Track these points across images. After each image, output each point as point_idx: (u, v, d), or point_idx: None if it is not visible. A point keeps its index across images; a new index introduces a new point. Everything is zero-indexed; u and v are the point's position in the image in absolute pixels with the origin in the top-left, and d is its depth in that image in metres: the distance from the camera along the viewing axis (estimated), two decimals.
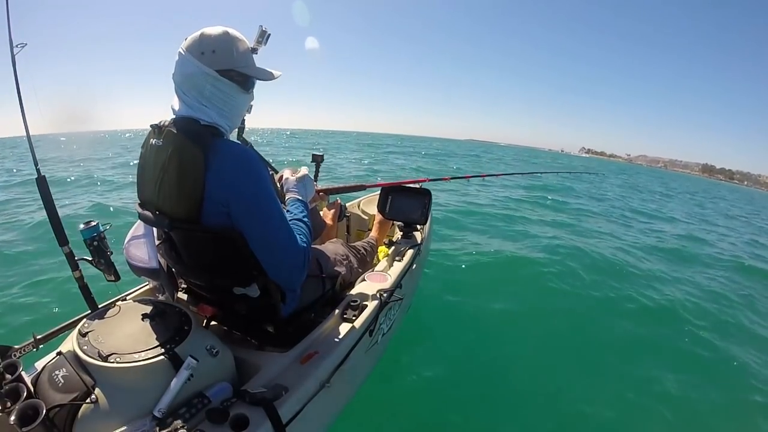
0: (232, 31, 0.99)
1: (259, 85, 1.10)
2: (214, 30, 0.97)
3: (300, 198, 1.18)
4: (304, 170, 1.28)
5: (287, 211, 1.13)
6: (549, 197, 8.51)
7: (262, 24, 1.03)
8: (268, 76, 1.06)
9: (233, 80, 0.99)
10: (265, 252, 0.98)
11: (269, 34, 1.05)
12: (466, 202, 6.76)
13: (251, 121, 1.36)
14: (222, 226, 0.96)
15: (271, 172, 1.29)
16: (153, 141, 0.99)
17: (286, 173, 1.27)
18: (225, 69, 0.97)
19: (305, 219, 1.11)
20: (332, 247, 1.62)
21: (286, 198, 1.19)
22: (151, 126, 1.02)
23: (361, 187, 1.96)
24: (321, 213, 1.86)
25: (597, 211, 7.91)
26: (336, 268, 1.50)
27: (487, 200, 7.27)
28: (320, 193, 1.75)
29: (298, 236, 1.02)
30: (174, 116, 1.00)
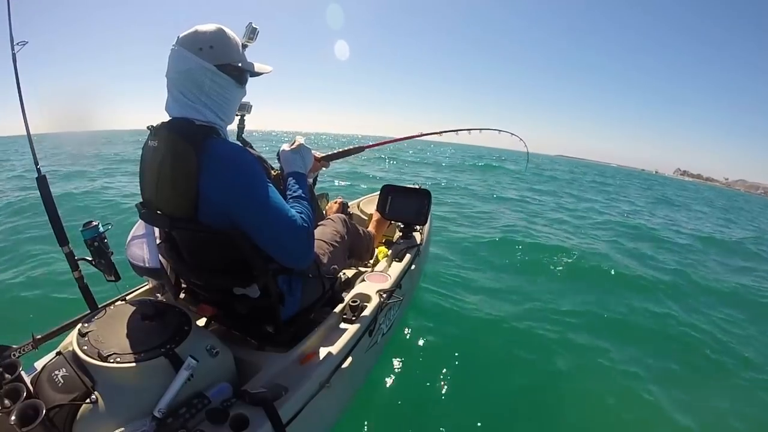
0: (224, 28, 1.02)
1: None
2: (208, 27, 0.99)
3: (299, 171, 1.17)
4: (299, 140, 1.25)
5: (286, 189, 1.12)
6: None
7: (251, 21, 1.13)
8: (262, 70, 1.10)
9: (230, 75, 1.02)
10: (269, 239, 0.98)
11: (258, 31, 1.12)
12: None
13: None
14: (221, 225, 0.96)
15: (274, 173, 1.29)
16: (150, 142, 1.01)
17: (283, 147, 1.24)
18: (222, 63, 0.99)
19: (304, 195, 1.11)
20: (329, 231, 1.59)
21: (285, 174, 1.18)
22: (148, 127, 1.04)
23: (359, 149, 1.87)
24: (325, 210, 1.84)
25: None
26: (331, 257, 1.47)
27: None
28: (320, 162, 1.63)
29: (298, 215, 1.01)
30: (169, 117, 1.01)
